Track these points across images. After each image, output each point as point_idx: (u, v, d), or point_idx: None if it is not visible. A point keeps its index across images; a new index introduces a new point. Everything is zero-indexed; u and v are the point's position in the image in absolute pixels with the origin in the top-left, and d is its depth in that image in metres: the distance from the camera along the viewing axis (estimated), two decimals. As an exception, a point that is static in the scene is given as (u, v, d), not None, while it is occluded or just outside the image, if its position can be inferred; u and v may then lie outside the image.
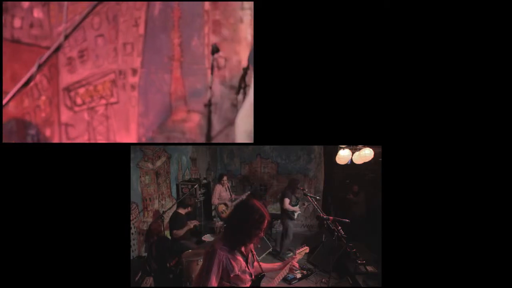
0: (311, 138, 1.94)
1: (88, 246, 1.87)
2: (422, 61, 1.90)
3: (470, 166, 1.87)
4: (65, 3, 1.52)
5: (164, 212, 4.01)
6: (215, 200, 5.17)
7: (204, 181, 5.63)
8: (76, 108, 3.32)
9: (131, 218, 3.87)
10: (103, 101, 3.29)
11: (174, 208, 4.09)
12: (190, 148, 5.47)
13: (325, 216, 3.56)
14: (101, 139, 3.25)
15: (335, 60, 1.90)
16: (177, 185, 4.98)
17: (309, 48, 1.90)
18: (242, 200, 1.95)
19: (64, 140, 3.27)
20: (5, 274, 1.84)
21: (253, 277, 1.80)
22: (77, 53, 3.31)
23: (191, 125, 2.86)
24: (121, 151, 1.94)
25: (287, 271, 2.00)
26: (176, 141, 1.50)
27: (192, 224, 3.95)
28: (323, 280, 3.97)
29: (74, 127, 3.30)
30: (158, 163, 4.52)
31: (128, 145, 1.97)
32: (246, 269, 1.76)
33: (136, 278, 3.33)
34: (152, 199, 4.35)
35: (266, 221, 1.72)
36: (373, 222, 5.17)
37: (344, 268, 4.05)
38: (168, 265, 3.55)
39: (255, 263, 1.87)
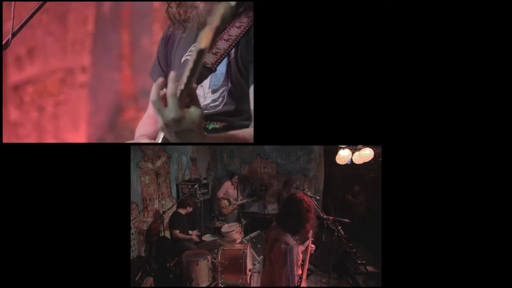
0: (311, 138, 1.94)
1: (88, 246, 1.87)
2: (422, 61, 1.89)
3: (470, 166, 1.87)
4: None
5: (164, 212, 4.01)
6: (220, 193, 5.19)
7: (204, 181, 5.63)
8: (25, 107, 3.24)
9: (131, 218, 3.87)
10: (52, 100, 3.21)
11: (174, 208, 4.09)
12: (190, 148, 5.47)
13: (325, 216, 3.55)
14: (50, 139, 3.17)
15: (335, 60, 1.90)
16: (177, 185, 4.98)
17: (309, 48, 1.90)
18: (286, 197, 2.13)
19: (13, 139, 3.18)
20: (4, 274, 1.84)
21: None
22: (25, 50, 3.22)
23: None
24: (121, 151, 1.94)
25: (309, 252, 2.24)
26: (126, 141, 1.50)
27: (195, 237, 3.96)
28: (323, 280, 3.96)
29: (23, 126, 3.22)
30: (158, 163, 4.52)
31: (128, 145, 1.97)
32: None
33: (136, 278, 3.33)
34: (152, 199, 4.35)
35: (312, 203, 2.01)
36: (373, 222, 5.17)
37: (344, 268, 4.05)
38: (168, 265, 3.55)
39: None
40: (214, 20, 1.09)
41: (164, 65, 1.69)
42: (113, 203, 1.90)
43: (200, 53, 1.07)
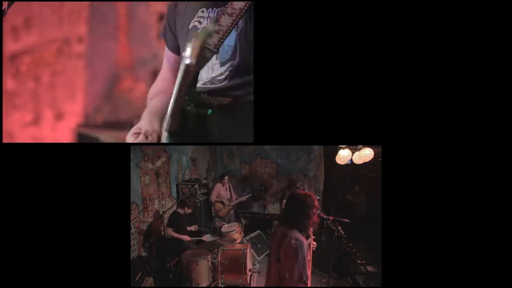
0: (311, 138, 1.94)
1: (88, 246, 1.87)
2: (422, 61, 1.90)
3: (470, 166, 1.87)
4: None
5: (164, 212, 4.00)
6: (213, 197, 5.16)
7: (204, 181, 5.62)
8: (21, 77, 3.22)
9: (131, 218, 3.87)
10: (49, 70, 3.19)
11: (174, 208, 4.08)
12: (190, 148, 5.47)
13: (325, 216, 3.55)
14: (47, 108, 3.13)
15: (335, 60, 1.90)
16: (177, 185, 4.97)
17: (309, 48, 1.90)
18: (289, 194, 2.11)
19: (10, 110, 3.15)
20: (5, 274, 1.84)
21: None
22: (22, 20, 3.19)
23: (137, 95, 2.74)
24: (121, 151, 1.94)
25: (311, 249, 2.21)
26: (123, 110, 1.52)
27: (187, 238, 3.92)
28: (323, 280, 3.96)
29: (19, 95, 3.19)
30: (158, 163, 4.51)
31: (128, 145, 1.97)
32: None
33: (136, 278, 3.33)
34: (152, 199, 4.35)
35: (315, 199, 1.93)
36: (373, 222, 5.17)
37: (344, 268, 4.04)
38: (168, 265, 3.55)
39: None
40: (198, 39, 1.19)
41: (174, 28, 1.76)
42: (113, 203, 1.90)
43: (187, 68, 1.13)
